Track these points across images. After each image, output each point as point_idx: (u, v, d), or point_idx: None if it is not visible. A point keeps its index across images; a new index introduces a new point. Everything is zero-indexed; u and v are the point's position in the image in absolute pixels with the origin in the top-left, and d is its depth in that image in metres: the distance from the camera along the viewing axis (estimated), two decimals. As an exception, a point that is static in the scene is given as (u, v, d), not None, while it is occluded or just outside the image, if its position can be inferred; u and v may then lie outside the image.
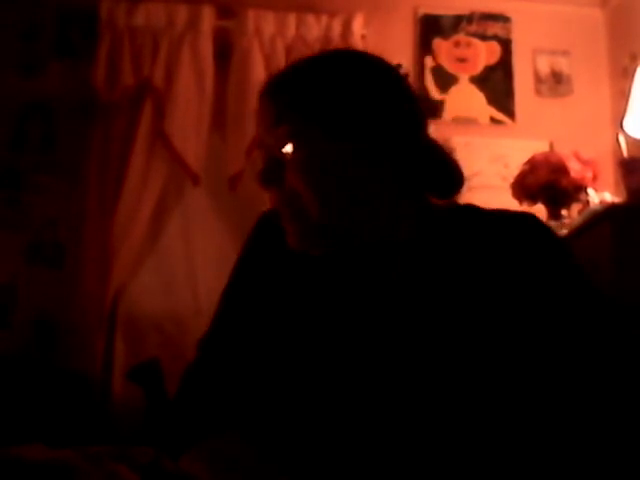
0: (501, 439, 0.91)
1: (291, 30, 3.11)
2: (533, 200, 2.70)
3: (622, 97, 2.95)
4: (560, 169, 2.65)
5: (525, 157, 2.79)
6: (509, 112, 3.25)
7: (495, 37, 3.34)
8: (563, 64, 3.34)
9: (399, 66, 1.04)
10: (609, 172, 2.98)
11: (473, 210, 1.04)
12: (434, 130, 1.07)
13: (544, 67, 3.33)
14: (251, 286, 1.06)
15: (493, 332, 0.93)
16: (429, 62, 3.26)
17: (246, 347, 1.03)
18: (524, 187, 2.70)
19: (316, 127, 0.96)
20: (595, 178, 2.70)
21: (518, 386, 0.93)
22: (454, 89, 3.26)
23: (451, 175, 1.03)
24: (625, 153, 2.64)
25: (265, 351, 1.01)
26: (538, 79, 3.32)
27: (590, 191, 2.66)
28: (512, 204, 2.71)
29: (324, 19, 3.13)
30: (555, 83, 3.31)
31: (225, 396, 1.01)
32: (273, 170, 0.98)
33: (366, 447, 0.92)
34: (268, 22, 3.11)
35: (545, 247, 0.98)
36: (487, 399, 0.92)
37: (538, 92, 3.30)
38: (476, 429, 0.91)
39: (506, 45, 3.33)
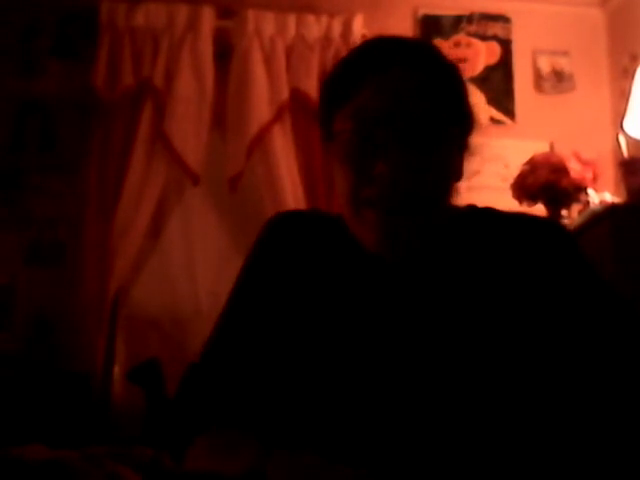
0: (522, 441, 0.91)
1: (291, 30, 3.11)
2: (533, 200, 2.70)
3: (622, 97, 2.95)
4: (560, 169, 2.65)
5: (525, 157, 2.79)
6: (509, 112, 3.25)
7: (495, 37, 3.34)
8: (563, 64, 3.34)
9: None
10: (609, 172, 2.98)
11: (493, 213, 1.04)
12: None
13: (545, 66, 3.33)
14: (263, 287, 1.03)
15: (512, 334, 0.93)
16: (429, 62, 3.26)
17: (255, 347, 1.00)
18: (524, 187, 2.70)
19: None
20: (595, 178, 2.70)
21: (539, 389, 0.92)
22: (454, 89, 3.26)
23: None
24: (625, 153, 2.64)
25: (276, 352, 0.98)
26: (539, 77, 3.32)
27: (590, 191, 2.66)
28: (512, 204, 2.71)
29: (324, 19, 3.13)
30: (557, 82, 3.31)
31: (230, 396, 0.98)
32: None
33: (379, 448, 0.91)
34: (268, 22, 3.10)
35: (571, 257, 0.98)
36: (506, 402, 0.91)
37: (539, 89, 3.30)
38: (494, 430, 0.91)
39: (506, 45, 3.33)
